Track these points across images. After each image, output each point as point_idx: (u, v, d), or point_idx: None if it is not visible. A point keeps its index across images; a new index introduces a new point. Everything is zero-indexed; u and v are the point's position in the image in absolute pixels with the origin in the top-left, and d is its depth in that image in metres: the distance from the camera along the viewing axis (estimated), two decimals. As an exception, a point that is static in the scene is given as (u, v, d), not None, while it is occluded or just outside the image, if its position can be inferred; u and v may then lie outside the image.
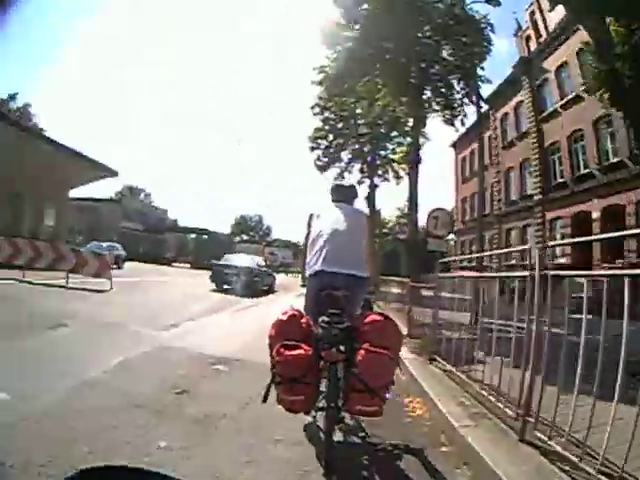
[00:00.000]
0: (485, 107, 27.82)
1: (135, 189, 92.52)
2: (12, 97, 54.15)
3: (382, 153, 38.15)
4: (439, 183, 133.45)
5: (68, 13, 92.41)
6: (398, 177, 38.31)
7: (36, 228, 25.58)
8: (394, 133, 36.66)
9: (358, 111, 34.82)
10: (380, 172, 38.32)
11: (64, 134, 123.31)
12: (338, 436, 3.63)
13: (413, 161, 21.92)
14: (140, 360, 6.25)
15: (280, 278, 35.41)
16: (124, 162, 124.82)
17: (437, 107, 23.10)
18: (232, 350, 7.38)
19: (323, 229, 4.08)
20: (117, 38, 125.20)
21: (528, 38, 32.24)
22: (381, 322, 3.40)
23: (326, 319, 3.36)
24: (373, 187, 36.75)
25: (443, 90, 22.49)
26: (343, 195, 4.58)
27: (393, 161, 37.54)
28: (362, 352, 3.16)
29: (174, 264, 55.87)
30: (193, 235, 69.13)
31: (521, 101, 33.25)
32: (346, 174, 38.65)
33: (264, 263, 27.39)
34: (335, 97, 29.68)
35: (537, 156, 30.41)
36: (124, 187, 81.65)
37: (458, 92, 22.45)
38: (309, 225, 4.37)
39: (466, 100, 21.96)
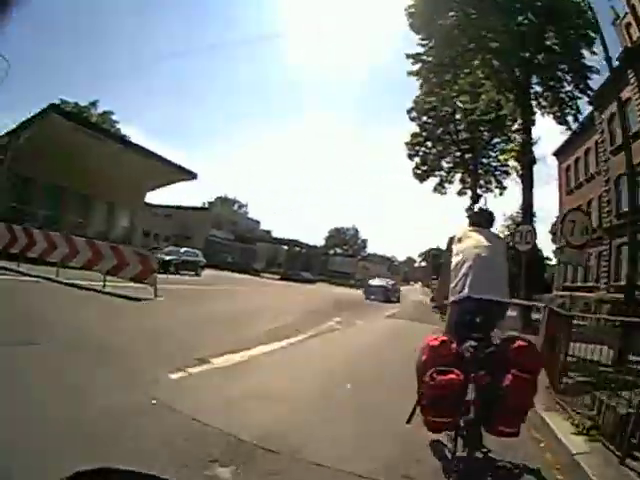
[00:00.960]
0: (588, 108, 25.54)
1: (229, 199, 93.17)
2: (93, 104, 54.86)
3: (484, 161, 35.09)
4: (540, 195, 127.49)
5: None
6: (502, 187, 35.38)
7: (107, 230, 24.97)
8: (496, 140, 33.78)
9: (458, 116, 32.24)
10: (482, 182, 34.97)
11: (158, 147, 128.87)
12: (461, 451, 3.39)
13: (527, 161, 18.89)
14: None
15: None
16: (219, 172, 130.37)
17: (545, 103, 21.37)
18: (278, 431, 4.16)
19: (467, 254, 4.06)
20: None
21: (628, 26, 27.72)
22: (527, 348, 3.48)
23: (473, 343, 3.45)
24: (476, 198, 33.57)
25: (551, 83, 20.36)
26: (483, 220, 4.57)
27: (497, 169, 34.67)
28: (510, 377, 3.23)
29: (263, 274, 53.65)
30: (285, 247, 67.40)
31: (629, 98, 28.17)
32: (446, 185, 35.92)
33: (393, 282, 38.45)
34: (434, 93, 26.39)
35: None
36: (216, 198, 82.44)
37: (568, 83, 20.64)
38: (449, 249, 4.36)
39: (577, 93, 20.39)
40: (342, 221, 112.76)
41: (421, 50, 21.56)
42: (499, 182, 35.10)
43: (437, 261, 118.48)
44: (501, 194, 35.23)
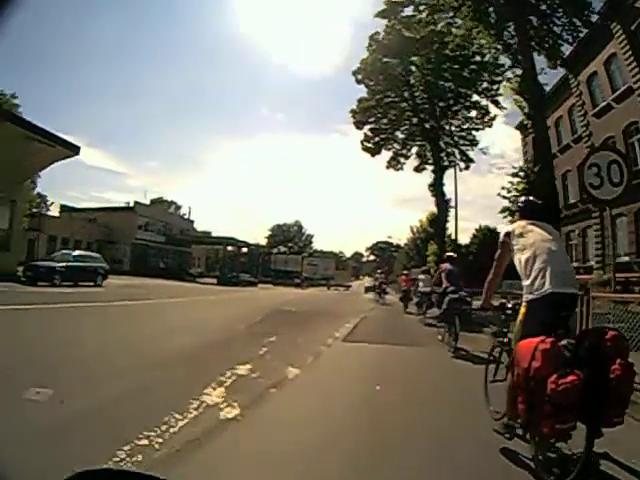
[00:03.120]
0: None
1: (164, 201, 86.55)
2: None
3: (446, 130, 29.99)
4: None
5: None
6: (468, 160, 30.25)
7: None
8: (458, 107, 29.21)
9: (412, 80, 27.19)
10: (444, 155, 29.92)
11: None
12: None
13: (535, 96, 13.70)
14: None
15: (320, 296, 30.21)
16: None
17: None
18: None
19: (538, 249, 3.96)
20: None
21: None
22: (620, 336, 3.40)
23: (571, 341, 3.41)
24: (442, 169, 28.64)
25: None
26: (539, 212, 4.51)
27: (462, 138, 29.71)
28: (617, 367, 3.11)
29: (199, 280, 48.90)
30: (225, 247, 61.17)
31: (613, 54, 24.85)
32: (402, 159, 31.24)
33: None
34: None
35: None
36: (151, 201, 74.47)
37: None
38: (505, 243, 4.31)
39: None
40: (287, 218, 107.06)
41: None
42: (464, 154, 30.22)
43: (385, 254, 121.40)
44: (467, 167, 30.86)
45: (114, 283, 25.34)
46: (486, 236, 54.86)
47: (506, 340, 4.54)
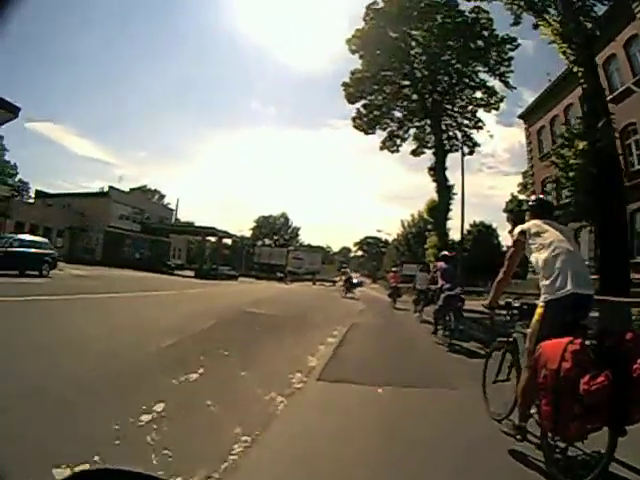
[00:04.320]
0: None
1: (148, 190, 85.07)
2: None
3: (448, 110, 27.23)
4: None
5: None
6: (472, 144, 27.36)
7: None
8: (463, 84, 26.53)
9: (414, 51, 24.23)
10: (445, 137, 26.94)
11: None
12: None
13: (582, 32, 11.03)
14: None
15: (302, 293, 27.15)
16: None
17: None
18: None
19: (557, 248, 3.98)
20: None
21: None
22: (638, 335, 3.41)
23: (594, 342, 3.39)
24: (444, 152, 25.59)
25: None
26: (548, 211, 4.54)
27: (468, 118, 27.05)
28: (639, 366, 3.11)
29: (177, 272, 46.61)
30: (204, 237, 57.89)
31: (635, 35, 22.01)
32: (398, 141, 28.32)
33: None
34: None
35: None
36: (131, 189, 71.37)
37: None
38: (519, 242, 4.31)
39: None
40: (274, 211, 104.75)
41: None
42: (468, 137, 27.29)
43: (373, 249, 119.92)
44: (471, 152, 28.04)
45: (70, 273, 23.12)
46: (481, 232, 53.20)
47: (511, 340, 4.54)
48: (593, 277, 13.67)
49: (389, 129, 28.24)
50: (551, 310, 3.82)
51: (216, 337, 8.62)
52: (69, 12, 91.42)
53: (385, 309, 21.70)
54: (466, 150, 27.26)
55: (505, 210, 51.96)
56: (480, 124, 27.23)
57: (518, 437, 3.92)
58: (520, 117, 38.69)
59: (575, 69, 11.51)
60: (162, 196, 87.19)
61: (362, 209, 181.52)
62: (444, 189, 26.17)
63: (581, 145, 10.53)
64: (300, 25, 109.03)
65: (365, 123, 27.43)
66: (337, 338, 10.13)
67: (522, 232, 4.24)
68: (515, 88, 25.27)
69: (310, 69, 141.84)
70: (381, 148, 28.95)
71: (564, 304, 3.74)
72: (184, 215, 67.91)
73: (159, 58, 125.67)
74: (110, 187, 52.04)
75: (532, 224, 4.25)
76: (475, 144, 27.83)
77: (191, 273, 46.60)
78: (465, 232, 36.03)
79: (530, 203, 4.69)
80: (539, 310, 3.91)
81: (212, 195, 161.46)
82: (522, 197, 46.25)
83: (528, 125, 36.74)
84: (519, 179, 40.00)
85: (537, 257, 4.01)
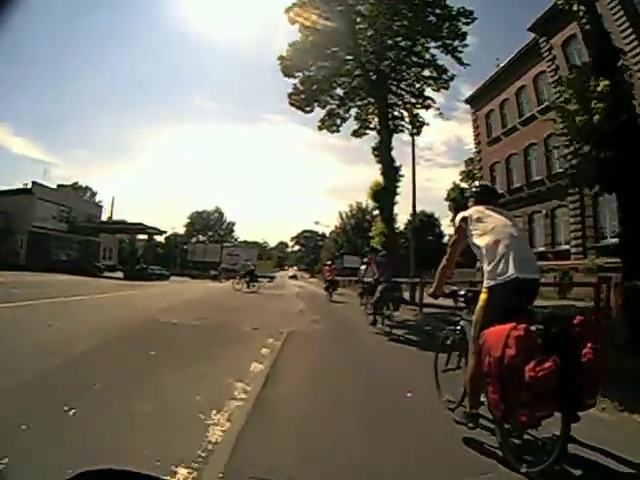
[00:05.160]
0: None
1: (80, 187, 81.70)
2: None
3: (395, 89, 26.66)
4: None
5: None
6: (419, 124, 26.51)
7: None
8: (412, 59, 25.26)
9: (359, 26, 23.10)
10: (390, 117, 25.96)
11: None
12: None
13: None
14: None
15: (233, 292, 25.79)
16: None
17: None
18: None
19: (499, 234, 3.90)
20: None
21: None
22: (589, 321, 3.43)
23: (540, 327, 3.31)
24: (390, 132, 24.45)
25: None
26: (492, 197, 4.51)
27: (416, 96, 26.30)
28: (589, 351, 3.14)
29: (105, 274, 43.53)
30: (135, 235, 55.04)
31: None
32: (338, 120, 27.03)
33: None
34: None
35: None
36: (58, 186, 67.06)
37: None
38: (461, 228, 4.23)
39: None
40: (210, 207, 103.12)
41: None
42: (415, 117, 26.22)
43: (310, 243, 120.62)
44: (417, 133, 26.83)
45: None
46: (423, 222, 53.12)
47: (459, 328, 4.53)
48: (613, 261, 13.55)
49: (329, 107, 26.73)
50: (494, 296, 3.77)
51: (82, 374, 5.56)
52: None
53: (323, 303, 20.92)
54: (413, 130, 26.19)
55: (447, 199, 53.78)
56: (429, 102, 25.96)
57: (470, 425, 3.93)
58: (466, 102, 39.70)
59: (575, 7, 10.47)
60: (94, 193, 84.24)
61: (299, 203, 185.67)
62: (390, 170, 24.48)
63: (601, 85, 9.18)
64: (240, 16, 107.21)
65: (302, 100, 25.73)
66: (268, 360, 7.02)
67: (464, 218, 4.19)
68: (469, 64, 23.97)
69: (250, 63, 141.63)
70: (320, 128, 27.56)
71: (508, 289, 3.67)
72: (122, 215, 65.15)
73: (101, 54, 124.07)
74: (34, 183, 48.08)
75: (474, 210, 4.21)
76: (422, 124, 26.71)
77: (119, 275, 43.65)
78: (406, 222, 35.14)
79: (473, 189, 4.64)
80: (482, 296, 3.86)
81: (152, 193, 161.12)
82: (464, 185, 46.81)
83: (475, 110, 37.63)
84: (457, 171, 40.07)
85: (479, 243, 3.96)
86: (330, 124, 27.13)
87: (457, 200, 44.66)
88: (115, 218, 62.50)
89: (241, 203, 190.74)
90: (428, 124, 27.20)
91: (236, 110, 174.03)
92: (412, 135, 25.60)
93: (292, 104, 26.15)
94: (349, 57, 24.40)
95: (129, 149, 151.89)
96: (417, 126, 26.74)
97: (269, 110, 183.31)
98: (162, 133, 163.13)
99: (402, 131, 26.94)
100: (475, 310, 3.92)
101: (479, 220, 4.07)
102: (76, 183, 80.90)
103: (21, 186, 47.32)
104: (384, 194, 24.85)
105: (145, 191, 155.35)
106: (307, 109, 26.43)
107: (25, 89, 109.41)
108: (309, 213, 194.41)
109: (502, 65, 32.55)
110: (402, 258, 25.37)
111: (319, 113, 26.79)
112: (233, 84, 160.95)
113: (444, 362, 4.72)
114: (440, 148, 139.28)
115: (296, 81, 25.48)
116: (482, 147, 36.56)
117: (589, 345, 3.14)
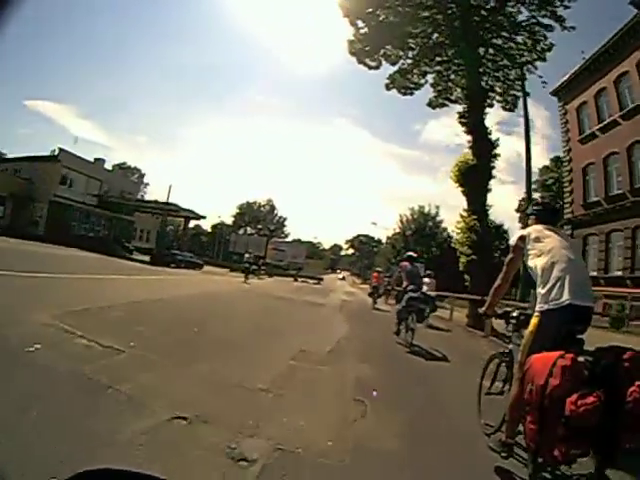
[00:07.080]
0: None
1: (128, 168, 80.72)
2: None
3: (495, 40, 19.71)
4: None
5: None
6: (514, 99, 19.51)
7: None
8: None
9: None
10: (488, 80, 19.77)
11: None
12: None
13: None
14: None
15: (271, 293, 21.14)
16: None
17: None
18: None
19: (556, 256, 3.76)
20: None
21: None
22: (638, 356, 3.10)
23: (589, 358, 3.16)
24: (485, 91, 17.75)
25: None
26: (553, 217, 4.35)
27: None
28: (635, 389, 2.85)
29: (132, 256, 38.32)
30: (166, 216, 49.71)
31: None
32: (411, 83, 20.43)
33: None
34: None
35: None
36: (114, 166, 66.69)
37: None
38: (518, 247, 4.08)
39: None
40: (258, 195, 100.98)
41: None
42: (509, 87, 19.63)
43: (365, 248, 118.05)
44: (511, 109, 20.20)
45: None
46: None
47: (507, 351, 4.45)
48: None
49: (399, 64, 20.15)
50: (546, 321, 3.63)
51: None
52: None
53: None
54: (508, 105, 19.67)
55: (518, 210, 50.54)
56: (525, 70, 19.01)
57: (503, 454, 3.75)
58: (553, 94, 34.43)
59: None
60: (142, 175, 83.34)
61: (356, 207, 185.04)
62: (483, 143, 17.32)
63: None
64: (306, 25, 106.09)
65: (365, 49, 19.30)
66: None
67: (521, 237, 4.05)
68: (574, 28, 17.47)
69: (311, 70, 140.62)
70: (387, 87, 20.83)
71: (560, 315, 3.54)
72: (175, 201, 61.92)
73: (170, 46, 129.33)
74: (60, 149, 43.15)
75: (532, 229, 4.07)
76: (517, 97, 19.69)
77: (144, 258, 38.02)
78: (466, 230, 28.19)
79: (534, 207, 4.36)
80: (533, 320, 3.73)
81: (206, 183, 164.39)
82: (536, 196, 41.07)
83: (564, 102, 33.12)
84: (515, 188, 34.61)
85: (535, 264, 3.83)
86: (401, 84, 20.52)
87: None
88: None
89: (296, 201, 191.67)
90: (529, 94, 19.40)
91: (299, 108, 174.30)
92: (506, 110, 19.49)
93: (353, 53, 19.75)
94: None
95: (187, 139, 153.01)
96: (508, 100, 20.19)
97: (332, 111, 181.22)
98: (222, 126, 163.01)
99: (491, 106, 19.98)
100: (525, 334, 3.78)
101: (537, 240, 3.92)
102: (124, 163, 79.98)
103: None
104: (474, 175, 17.48)
105: (199, 180, 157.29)
106: (371, 63, 19.97)
107: (92, 72, 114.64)
108: (365, 218, 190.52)
109: (597, 49, 26.53)
110: (495, 267, 18.08)
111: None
112: (297, 82, 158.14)
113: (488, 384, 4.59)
114: (499, 165, 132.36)
115: (360, 24, 19.07)
116: (572, 145, 31.34)
117: (637, 384, 2.84)
